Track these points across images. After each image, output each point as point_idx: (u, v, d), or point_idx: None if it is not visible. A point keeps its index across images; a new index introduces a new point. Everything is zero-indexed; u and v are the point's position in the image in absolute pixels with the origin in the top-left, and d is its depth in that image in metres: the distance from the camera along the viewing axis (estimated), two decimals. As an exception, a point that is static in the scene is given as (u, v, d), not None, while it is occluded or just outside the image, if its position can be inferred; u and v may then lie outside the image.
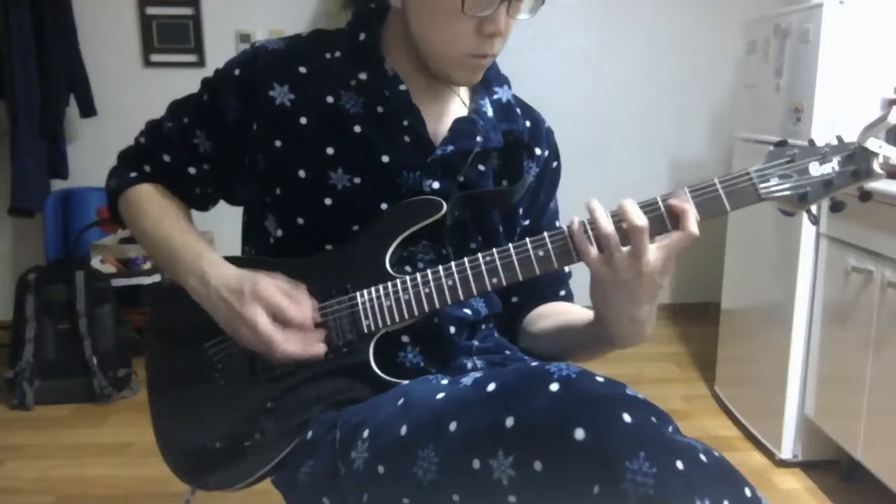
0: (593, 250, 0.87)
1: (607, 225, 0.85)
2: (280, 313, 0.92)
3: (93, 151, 3.29)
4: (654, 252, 0.85)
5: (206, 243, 1.03)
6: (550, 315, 1.11)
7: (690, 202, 0.86)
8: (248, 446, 0.98)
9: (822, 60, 1.99)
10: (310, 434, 0.94)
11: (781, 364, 2.18)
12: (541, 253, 0.90)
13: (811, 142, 0.90)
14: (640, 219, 0.84)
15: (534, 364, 0.84)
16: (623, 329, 0.93)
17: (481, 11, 0.90)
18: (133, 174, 1.09)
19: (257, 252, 1.09)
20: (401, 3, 0.97)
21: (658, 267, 0.86)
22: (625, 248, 0.85)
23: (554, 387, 0.76)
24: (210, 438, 1.01)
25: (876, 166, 0.86)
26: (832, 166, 0.87)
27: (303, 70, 1.01)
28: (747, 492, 0.75)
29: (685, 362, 3.11)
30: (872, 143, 0.86)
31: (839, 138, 0.89)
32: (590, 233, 0.87)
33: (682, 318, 3.58)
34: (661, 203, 0.87)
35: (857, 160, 0.87)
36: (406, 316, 0.95)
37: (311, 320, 0.94)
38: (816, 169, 0.88)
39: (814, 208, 0.90)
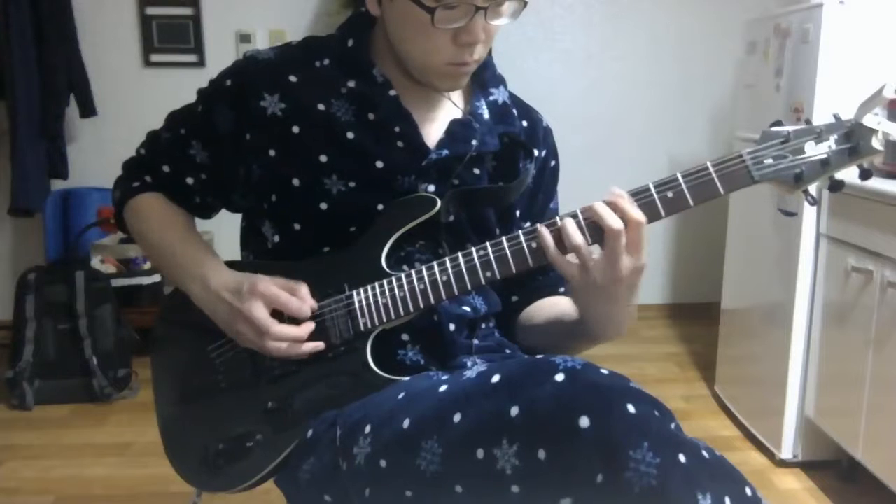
0: (570, 261, 0.88)
1: (578, 237, 0.87)
2: (278, 305, 0.94)
3: (93, 151, 3.29)
4: (625, 258, 0.86)
5: (207, 250, 1.05)
6: (545, 307, 1.12)
7: (624, 196, 0.87)
8: (251, 447, 0.98)
9: (822, 60, 1.99)
10: (310, 433, 0.95)
11: (781, 364, 2.18)
12: (534, 245, 0.91)
13: (808, 121, 0.88)
14: (616, 223, 0.85)
15: (538, 356, 0.84)
16: (604, 327, 0.97)
17: (453, 23, 0.90)
18: (136, 184, 1.11)
19: (255, 257, 1.10)
20: (380, 13, 0.97)
21: (630, 267, 0.86)
22: (596, 256, 0.87)
23: (559, 377, 0.76)
24: (213, 440, 1.01)
25: (875, 142, 0.84)
26: (829, 145, 0.85)
27: (293, 79, 1.01)
28: (748, 491, 0.75)
29: (685, 362, 3.10)
30: (870, 120, 0.84)
31: (836, 116, 0.87)
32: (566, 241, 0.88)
33: (682, 318, 3.58)
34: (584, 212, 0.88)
35: (854, 137, 0.84)
36: (402, 313, 0.95)
37: (308, 311, 0.95)
38: (812, 148, 0.86)
39: (812, 189, 0.88)
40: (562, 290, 1.16)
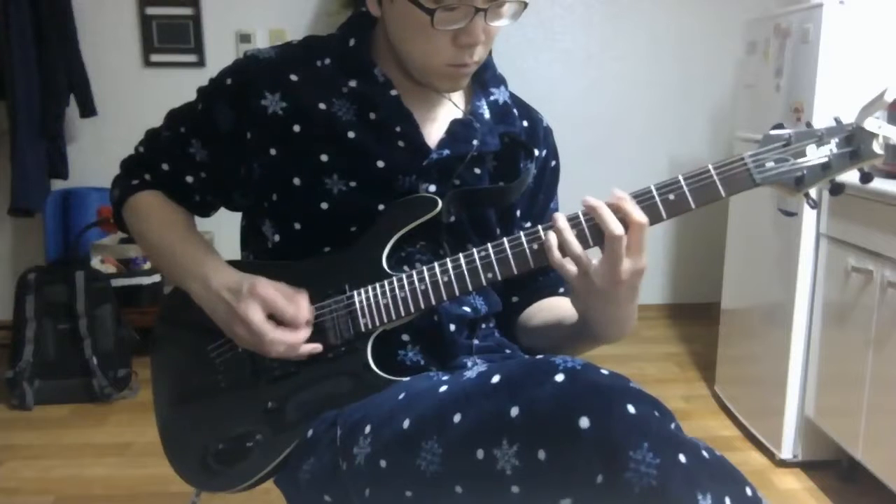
0: (570, 267, 0.88)
1: (576, 246, 0.87)
2: (275, 310, 0.93)
3: (93, 151, 3.29)
4: (625, 261, 0.86)
5: (208, 249, 1.05)
6: (544, 309, 1.12)
7: (627, 197, 0.86)
8: (250, 447, 0.98)
9: (822, 60, 1.99)
10: (310, 433, 0.95)
11: (781, 364, 2.18)
12: (535, 246, 0.91)
13: (808, 124, 0.88)
14: (617, 228, 0.84)
15: (538, 357, 0.85)
16: (606, 329, 0.96)
17: (453, 25, 0.90)
18: (135, 182, 1.10)
19: (255, 257, 1.10)
20: (380, 14, 0.97)
21: (630, 270, 0.86)
22: (595, 261, 0.87)
23: (559, 377, 0.76)
24: (212, 440, 1.01)
25: (876, 147, 0.83)
26: (830, 149, 0.85)
27: (294, 78, 1.01)
28: (748, 491, 0.75)
29: (685, 362, 3.11)
30: (871, 124, 0.83)
31: (837, 120, 0.87)
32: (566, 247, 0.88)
33: (682, 318, 3.58)
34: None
35: (855, 141, 0.84)
36: (403, 313, 0.95)
37: (304, 319, 0.95)
38: (813, 152, 0.86)
39: (813, 192, 0.88)
40: (562, 290, 1.16)
